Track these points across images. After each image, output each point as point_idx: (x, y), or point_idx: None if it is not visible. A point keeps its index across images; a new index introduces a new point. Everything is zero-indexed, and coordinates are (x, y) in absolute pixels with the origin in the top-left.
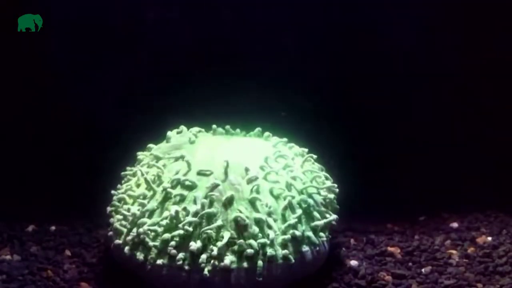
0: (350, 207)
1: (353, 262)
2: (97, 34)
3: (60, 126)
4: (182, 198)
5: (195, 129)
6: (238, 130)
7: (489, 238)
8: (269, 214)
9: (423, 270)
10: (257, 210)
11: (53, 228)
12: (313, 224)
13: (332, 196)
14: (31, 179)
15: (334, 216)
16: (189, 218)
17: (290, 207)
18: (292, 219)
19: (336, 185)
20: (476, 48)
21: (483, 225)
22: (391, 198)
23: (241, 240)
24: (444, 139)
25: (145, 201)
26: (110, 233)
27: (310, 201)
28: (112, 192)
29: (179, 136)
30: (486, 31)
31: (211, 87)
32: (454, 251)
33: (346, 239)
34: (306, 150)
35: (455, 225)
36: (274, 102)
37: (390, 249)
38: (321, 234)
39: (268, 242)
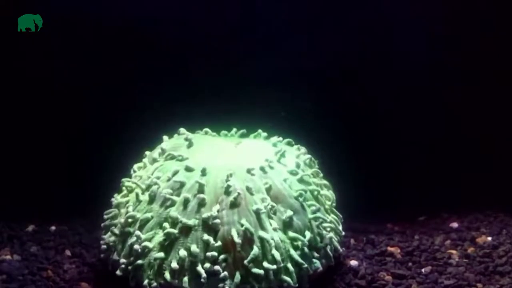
0: (350, 206)
1: (353, 262)
2: (96, 35)
3: (60, 126)
4: (186, 202)
5: (182, 131)
6: (233, 131)
7: (489, 238)
8: (276, 230)
9: (423, 270)
10: (263, 227)
11: (53, 228)
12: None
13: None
14: (31, 179)
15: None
16: (193, 256)
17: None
18: (301, 245)
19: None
20: (477, 50)
21: (483, 225)
22: (391, 198)
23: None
24: (444, 139)
25: (137, 212)
26: (103, 247)
27: (321, 220)
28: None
29: (175, 139)
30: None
31: (210, 88)
32: (454, 251)
33: (346, 239)
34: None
35: (455, 225)
36: (274, 103)
37: (390, 249)
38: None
39: (273, 271)
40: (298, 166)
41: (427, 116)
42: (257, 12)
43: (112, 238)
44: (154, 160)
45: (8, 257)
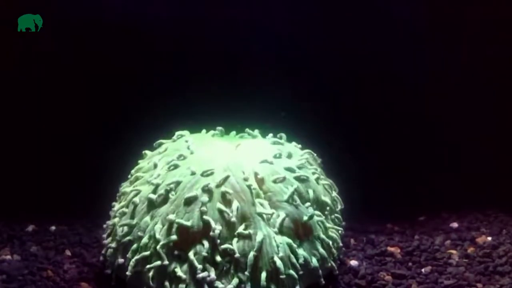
0: (350, 207)
1: (353, 262)
2: (96, 34)
3: (60, 126)
4: (185, 204)
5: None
6: (233, 132)
7: (489, 238)
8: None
9: (423, 270)
10: (263, 230)
11: (53, 228)
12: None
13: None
14: (32, 179)
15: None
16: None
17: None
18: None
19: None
20: (476, 50)
21: (483, 225)
22: (391, 198)
23: None
24: (443, 139)
25: (132, 219)
26: (102, 257)
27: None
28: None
29: (174, 142)
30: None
31: (210, 87)
32: (454, 251)
33: (346, 239)
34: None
35: (455, 225)
36: (274, 103)
37: (390, 249)
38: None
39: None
40: (299, 166)
41: (427, 116)
42: (257, 11)
43: (112, 245)
44: (154, 163)
45: (8, 257)
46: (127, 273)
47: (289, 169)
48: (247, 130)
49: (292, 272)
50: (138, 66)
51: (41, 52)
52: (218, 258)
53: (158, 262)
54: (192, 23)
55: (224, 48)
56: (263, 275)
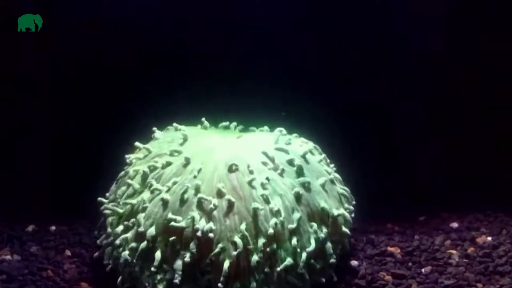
0: None
1: (353, 262)
2: (95, 33)
3: (59, 126)
4: (181, 202)
5: (175, 127)
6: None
7: (489, 238)
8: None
9: (423, 270)
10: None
11: (53, 228)
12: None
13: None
14: (31, 179)
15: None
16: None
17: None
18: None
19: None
20: (478, 49)
21: (483, 225)
22: (391, 198)
23: None
24: (444, 139)
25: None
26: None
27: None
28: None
29: (168, 135)
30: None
31: (210, 86)
32: (454, 251)
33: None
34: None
35: (455, 225)
36: (274, 102)
37: (390, 249)
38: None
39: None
40: (302, 166)
41: (427, 116)
42: (257, 11)
43: (109, 247)
44: (148, 157)
45: (8, 257)
46: (122, 275)
47: (291, 163)
48: (252, 128)
49: (292, 272)
50: (138, 65)
51: (40, 52)
52: (217, 258)
53: (152, 263)
54: (192, 23)
55: (224, 47)
56: (264, 275)
